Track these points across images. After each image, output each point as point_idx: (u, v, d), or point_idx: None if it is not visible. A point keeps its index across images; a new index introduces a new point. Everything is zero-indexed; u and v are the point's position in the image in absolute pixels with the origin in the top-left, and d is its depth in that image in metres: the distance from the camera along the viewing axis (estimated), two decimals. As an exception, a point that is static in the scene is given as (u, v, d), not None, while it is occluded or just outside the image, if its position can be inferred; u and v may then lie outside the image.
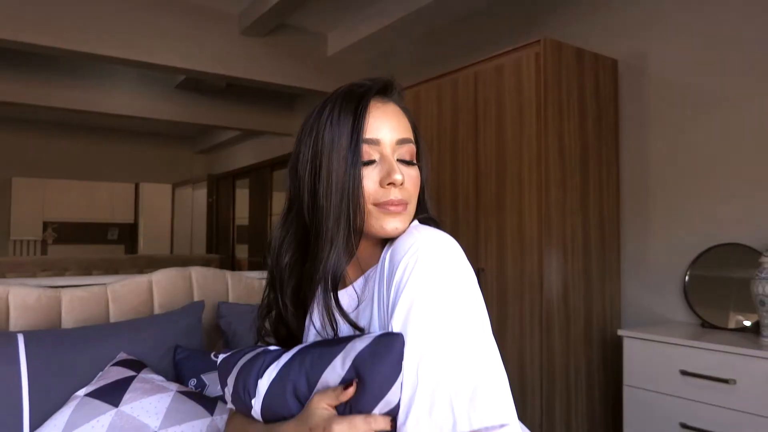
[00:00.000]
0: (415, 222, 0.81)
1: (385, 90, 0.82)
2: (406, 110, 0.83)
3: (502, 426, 0.64)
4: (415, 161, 0.81)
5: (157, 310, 1.72)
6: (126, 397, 1.18)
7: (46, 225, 7.57)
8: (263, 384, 0.76)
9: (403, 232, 0.76)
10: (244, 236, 7.09)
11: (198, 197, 8.20)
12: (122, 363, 1.32)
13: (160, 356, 1.45)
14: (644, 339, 2.01)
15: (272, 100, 5.63)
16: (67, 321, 1.56)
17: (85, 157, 7.76)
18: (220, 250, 7.38)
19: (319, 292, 0.89)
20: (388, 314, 0.70)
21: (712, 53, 2.19)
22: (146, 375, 1.29)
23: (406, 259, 0.70)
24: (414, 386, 0.65)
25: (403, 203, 0.77)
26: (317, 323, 0.81)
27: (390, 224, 0.76)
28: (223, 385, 0.84)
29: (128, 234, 8.21)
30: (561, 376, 2.20)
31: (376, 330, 0.74)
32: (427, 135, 2.72)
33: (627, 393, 2.06)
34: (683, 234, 2.27)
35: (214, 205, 7.77)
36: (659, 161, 2.36)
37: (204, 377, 1.41)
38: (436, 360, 0.65)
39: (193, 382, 1.41)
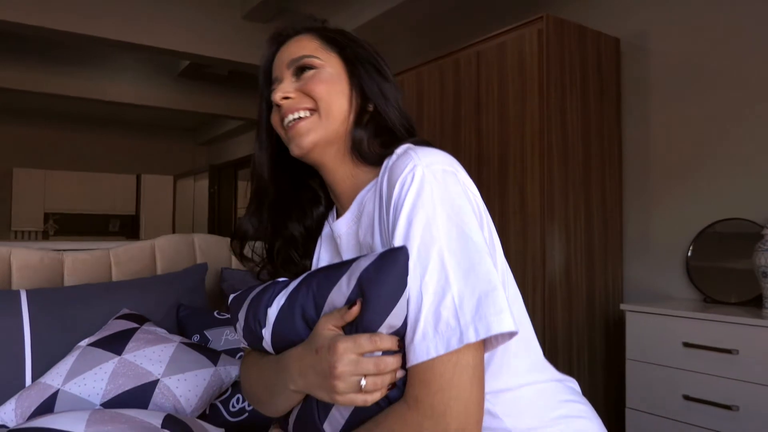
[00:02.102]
0: (409, 144, 0.79)
1: (279, 42, 0.85)
2: (310, 30, 0.83)
3: (511, 335, 0.63)
4: (311, 65, 0.80)
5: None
6: (129, 346, 1.18)
7: (47, 216, 7.54)
8: (272, 312, 0.75)
9: (309, 145, 0.78)
10: (245, 227, 7.06)
11: (199, 189, 8.17)
12: (125, 317, 1.32)
13: (163, 314, 1.45)
14: (647, 312, 2.01)
15: (274, 89, 5.62)
16: (70, 283, 1.56)
17: (87, 148, 7.75)
18: (221, 241, 7.35)
19: (319, 244, 0.89)
20: (389, 234, 0.69)
21: (713, 31, 2.19)
22: (149, 327, 1.29)
23: (403, 177, 0.68)
24: (419, 302, 0.63)
25: (294, 116, 0.79)
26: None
27: (293, 150, 0.81)
28: (235, 320, 0.83)
29: (130, 226, 8.18)
30: (564, 351, 2.19)
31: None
32: (429, 115, 2.71)
33: (630, 367, 2.06)
34: (685, 209, 2.26)
35: (215, 195, 7.74)
36: (661, 138, 2.35)
37: (207, 333, 1.41)
38: (439, 273, 0.63)
39: (196, 337, 1.41)
